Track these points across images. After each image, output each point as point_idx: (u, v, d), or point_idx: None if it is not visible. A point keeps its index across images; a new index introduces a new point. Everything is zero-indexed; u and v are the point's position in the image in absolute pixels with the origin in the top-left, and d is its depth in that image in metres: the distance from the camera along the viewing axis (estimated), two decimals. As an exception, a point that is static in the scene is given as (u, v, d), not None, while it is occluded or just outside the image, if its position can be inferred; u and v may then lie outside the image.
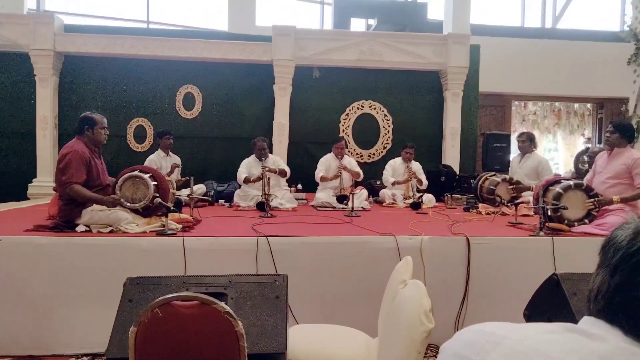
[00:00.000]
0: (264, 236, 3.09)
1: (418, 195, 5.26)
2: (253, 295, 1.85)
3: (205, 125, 7.06)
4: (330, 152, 5.93)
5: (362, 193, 5.50)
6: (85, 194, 3.23)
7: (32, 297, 2.91)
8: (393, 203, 5.68)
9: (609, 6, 10.01)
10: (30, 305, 2.90)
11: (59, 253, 2.95)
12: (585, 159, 7.69)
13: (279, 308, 1.82)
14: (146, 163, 5.52)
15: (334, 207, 5.15)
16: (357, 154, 7.23)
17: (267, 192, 4.48)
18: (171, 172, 5.61)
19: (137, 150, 6.90)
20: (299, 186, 6.49)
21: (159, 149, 5.93)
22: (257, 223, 3.75)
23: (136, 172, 3.40)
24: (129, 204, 3.31)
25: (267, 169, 5.04)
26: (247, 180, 5.37)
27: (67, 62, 6.84)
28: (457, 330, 3.07)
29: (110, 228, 3.21)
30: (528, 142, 5.28)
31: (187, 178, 4.43)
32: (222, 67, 7.01)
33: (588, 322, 0.66)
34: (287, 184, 5.89)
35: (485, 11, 9.86)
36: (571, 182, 3.75)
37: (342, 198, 4.99)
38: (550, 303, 2.01)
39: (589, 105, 10.40)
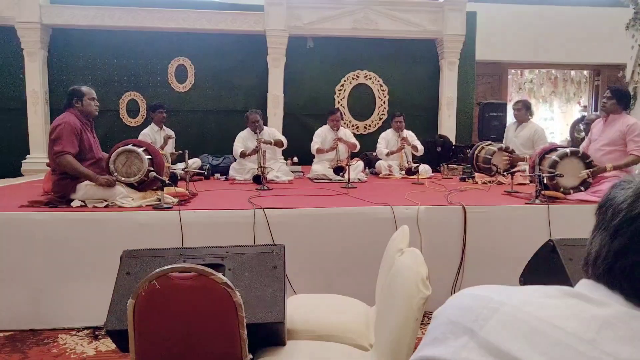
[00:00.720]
0: (261, 208, 3.09)
1: (415, 165, 5.25)
2: (250, 266, 1.85)
3: (199, 98, 6.97)
4: (325, 124, 5.89)
5: (358, 165, 5.49)
6: (78, 168, 3.20)
7: (29, 272, 2.91)
8: (389, 174, 5.67)
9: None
10: (29, 280, 2.91)
11: (55, 228, 2.94)
12: (581, 127, 7.69)
13: (277, 278, 1.82)
14: (140, 137, 5.46)
15: (330, 179, 5.15)
16: (353, 125, 7.18)
17: (263, 165, 4.45)
18: (164, 144, 5.56)
19: (130, 125, 6.82)
20: (295, 159, 6.47)
21: (152, 123, 5.86)
22: (253, 196, 3.74)
23: (130, 146, 3.36)
24: (123, 178, 3.29)
25: (262, 140, 5.00)
26: (243, 155, 5.34)
27: (55, 35, 6.69)
28: (454, 297, 3.12)
29: (106, 202, 3.19)
30: (524, 110, 5.25)
31: (182, 152, 4.40)
32: (214, 38, 6.87)
33: (587, 286, 0.63)
34: (283, 156, 5.87)
35: (482, -23, 9.62)
36: (567, 150, 3.74)
37: (338, 169, 4.99)
38: (546, 269, 2.03)
39: (585, 72, 10.32)
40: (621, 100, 3.80)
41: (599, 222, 0.66)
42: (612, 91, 3.83)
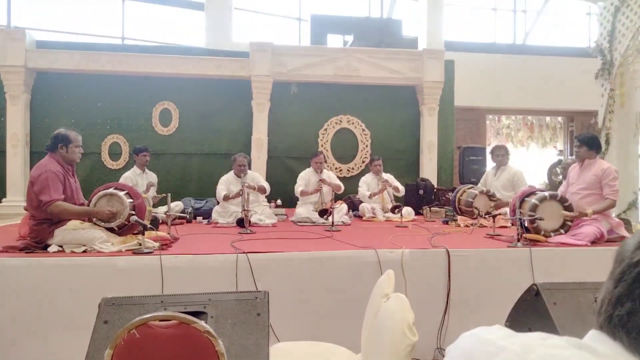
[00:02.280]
0: (244, 253, 3.04)
1: (396, 205, 5.29)
2: (233, 313, 1.81)
3: (182, 142, 6.99)
4: (309, 166, 5.93)
5: (342, 207, 5.50)
6: (73, 209, 3.14)
7: (1, 319, 2.78)
8: (373, 217, 5.69)
9: (577, 23, 10.38)
10: (0, 330, 2.77)
11: (30, 275, 2.84)
12: (558, 170, 7.89)
13: (261, 326, 1.78)
14: (121, 180, 5.41)
15: (314, 222, 5.13)
16: (336, 168, 7.25)
17: (246, 208, 4.43)
18: (147, 190, 5.51)
19: (112, 168, 6.78)
20: (279, 201, 6.46)
21: (135, 166, 5.82)
22: (236, 240, 3.70)
23: (111, 190, 3.33)
24: (103, 223, 3.23)
25: (246, 184, 5.00)
26: (226, 198, 5.31)
27: (39, 79, 6.72)
28: (440, 343, 3.07)
29: (84, 248, 3.11)
30: (507, 156, 5.42)
31: (164, 195, 4.35)
32: (199, 83, 6.98)
33: (593, 338, 0.63)
34: (266, 199, 5.85)
35: (459, 28, 10.10)
36: (546, 193, 3.82)
37: (323, 212, 4.98)
38: (530, 313, 2.02)
39: (560, 118, 10.72)
40: (592, 145, 3.95)
41: (611, 270, 0.65)
42: (580, 140, 3.99)
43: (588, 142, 3.94)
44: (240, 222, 4.46)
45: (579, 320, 1.86)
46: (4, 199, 6.40)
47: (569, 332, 1.81)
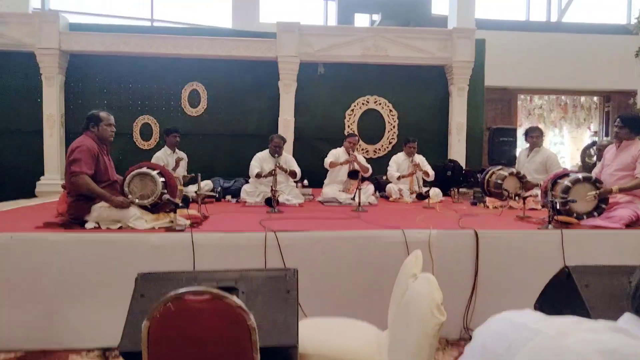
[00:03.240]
0: (272, 231, 3.09)
1: (425, 189, 5.25)
2: (264, 290, 1.85)
3: (211, 122, 7.07)
4: (336, 147, 5.92)
5: (368, 188, 5.50)
6: (94, 188, 3.25)
7: (43, 292, 2.93)
8: (400, 198, 5.67)
9: (616, -2, 9.92)
10: (42, 300, 2.92)
11: (69, 249, 2.97)
12: (592, 152, 7.65)
13: (290, 302, 1.82)
14: (153, 160, 5.54)
15: (341, 203, 5.16)
16: (362, 149, 7.22)
17: (274, 189, 4.48)
18: (176, 166, 5.63)
19: (143, 148, 6.93)
20: (305, 182, 6.49)
21: (165, 146, 5.95)
22: (264, 219, 3.76)
23: (144, 169, 3.41)
24: (137, 201, 3.33)
25: (279, 165, 5.06)
26: (259, 175, 5.37)
27: (72, 61, 6.87)
28: (466, 323, 3.07)
29: (119, 224, 3.23)
30: (541, 137, 5.29)
31: (194, 175, 4.44)
32: (226, 64, 7.02)
33: (629, 321, 0.63)
34: (293, 180, 5.90)
35: (490, 5, 9.80)
36: (580, 175, 3.72)
37: (353, 173, 4.97)
38: (561, 296, 2.00)
39: (595, 98, 10.34)
40: (633, 126, 3.81)
41: None
42: (622, 120, 3.84)
43: (631, 122, 3.81)
44: (269, 202, 4.52)
45: (611, 304, 1.83)
46: (42, 177, 6.65)
47: (600, 314, 1.79)
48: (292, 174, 5.47)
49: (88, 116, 3.46)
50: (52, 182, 6.39)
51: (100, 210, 3.26)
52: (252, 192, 5.38)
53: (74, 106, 6.85)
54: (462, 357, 0.67)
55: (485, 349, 0.65)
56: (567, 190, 3.59)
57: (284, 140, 5.59)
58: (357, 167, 5.43)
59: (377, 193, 5.93)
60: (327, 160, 5.76)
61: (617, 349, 0.55)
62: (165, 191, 3.35)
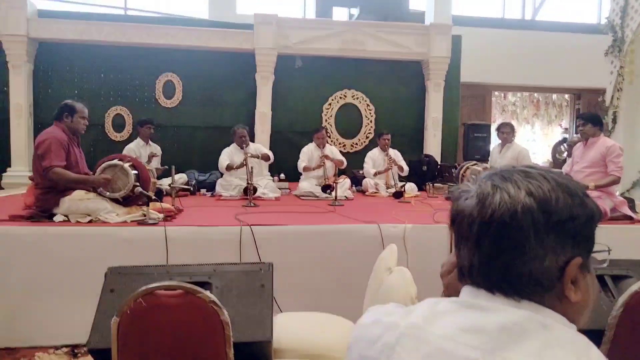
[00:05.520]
0: (248, 225, 3.06)
1: (400, 183, 5.29)
2: (238, 284, 1.83)
3: (186, 114, 6.95)
4: (312, 141, 5.91)
5: (345, 182, 5.50)
6: (70, 176, 3.15)
7: (8, 288, 2.83)
8: (376, 192, 5.70)
9: (587, -2, 10.15)
10: (7, 296, 2.82)
11: (36, 243, 2.88)
12: (563, 149, 7.84)
13: (265, 297, 1.81)
14: (125, 152, 5.41)
15: (317, 197, 5.15)
16: (340, 143, 7.22)
17: (250, 182, 4.44)
18: (149, 161, 5.51)
19: (116, 140, 6.76)
20: (282, 175, 6.47)
21: (138, 138, 5.82)
22: (240, 212, 3.72)
23: (116, 161, 3.33)
24: (108, 193, 3.25)
25: (249, 155, 5.00)
26: (229, 168, 5.31)
27: (41, 49, 6.64)
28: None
29: (90, 217, 3.14)
30: (511, 133, 5.38)
31: (168, 167, 4.36)
32: (203, 55, 6.90)
33: (472, 294, 0.66)
34: (269, 173, 5.86)
35: (467, 2, 9.89)
36: (550, 171, 3.81)
37: (326, 187, 4.99)
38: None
39: (566, 96, 10.58)
40: (595, 121, 3.98)
41: (459, 235, 0.68)
42: (584, 118, 4.02)
43: (592, 119, 3.99)
44: (246, 192, 4.48)
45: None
46: (8, 169, 6.42)
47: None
48: (265, 157, 5.42)
49: (62, 106, 3.35)
50: (19, 174, 6.17)
51: (69, 202, 3.16)
52: (227, 185, 5.32)
53: (44, 96, 6.62)
54: None
55: (363, 358, 0.69)
56: (538, 185, 3.66)
57: (247, 129, 5.51)
58: (329, 175, 5.42)
59: (354, 187, 5.95)
60: (301, 165, 5.73)
61: (474, 322, 0.61)
62: (138, 184, 3.28)
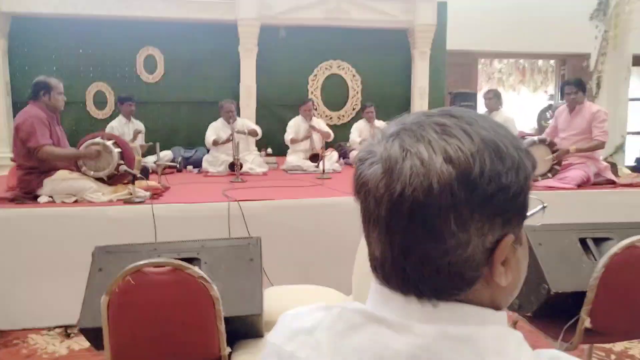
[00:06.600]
0: (236, 201, 3.06)
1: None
2: (227, 259, 1.84)
3: (169, 89, 6.81)
4: (299, 114, 5.86)
5: (332, 155, 5.50)
6: (62, 153, 3.11)
7: (-4, 271, 2.81)
8: (363, 164, 5.70)
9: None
10: (-5, 279, 2.81)
11: (22, 225, 2.85)
12: (548, 115, 7.89)
13: (254, 270, 1.82)
14: (107, 130, 5.33)
15: (305, 170, 5.15)
16: (326, 116, 7.17)
17: (236, 157, 4.41)
18: (134, 139, 5.44)
19: (98, 117, 6.63)
20: (269, 150, 6.43)
21: (120, 115, 5.72)
22: (227, 188, 3.70)
23: (98, 139, 3.28)
24: (92, 173, 3.20)
25: (236, 130, 4.96)
26: (215, 143, 5.26)
27: (15, 24, 6.41)
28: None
29: (75, 198, 3.11)
30: (495, 99, 5.37)
31: (152, 144, 4.30)
32: (183, 28, 6.72)
33: (382, 299, 0.53)
34: (256, 148, 5.82)
35: (452, -33, 9.71)
36: (535, 138, 3.84)
37: (314, 157, 4.98)
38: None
39: (552, 62, 10.57)
40: (583, 88, 3.98)
41: (367, 214, 0.52)
42: (575, 84, 3.98)
43: (581, 86, 3.97)
44: (232, 167, 4.46)
45: (562, 259, 1.92)
46: (-12, 151, 6.29)
47: (554, 270, 1.88)
48: (252, 132, 5.39)
49: (35, 82, 3.25)
50: (0, 155, 6.06)
51: (53, 183, 3.12)
52: (214, 161, 5.29)
53: (21, 73, 6.43)
54: None
55: None
56: (524, 152, 3.70)
57: (234, 104, 5.46)
58: (316, 146, 5.39)
59: (342, 160, 5.95)
60: (287, 137, 5.70)
61: (377, 350, 0.49)
62: (122, 162, 3.24)
